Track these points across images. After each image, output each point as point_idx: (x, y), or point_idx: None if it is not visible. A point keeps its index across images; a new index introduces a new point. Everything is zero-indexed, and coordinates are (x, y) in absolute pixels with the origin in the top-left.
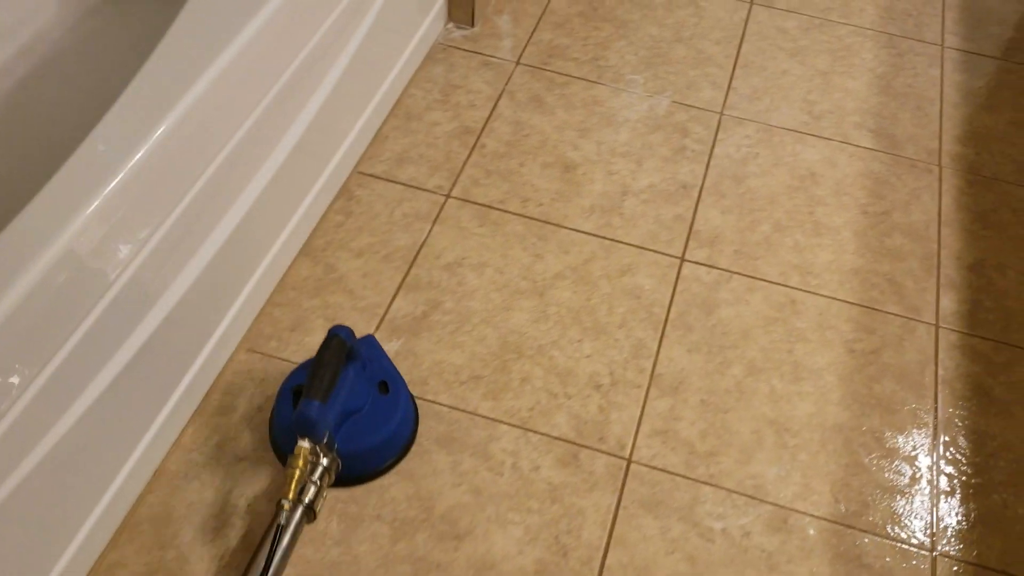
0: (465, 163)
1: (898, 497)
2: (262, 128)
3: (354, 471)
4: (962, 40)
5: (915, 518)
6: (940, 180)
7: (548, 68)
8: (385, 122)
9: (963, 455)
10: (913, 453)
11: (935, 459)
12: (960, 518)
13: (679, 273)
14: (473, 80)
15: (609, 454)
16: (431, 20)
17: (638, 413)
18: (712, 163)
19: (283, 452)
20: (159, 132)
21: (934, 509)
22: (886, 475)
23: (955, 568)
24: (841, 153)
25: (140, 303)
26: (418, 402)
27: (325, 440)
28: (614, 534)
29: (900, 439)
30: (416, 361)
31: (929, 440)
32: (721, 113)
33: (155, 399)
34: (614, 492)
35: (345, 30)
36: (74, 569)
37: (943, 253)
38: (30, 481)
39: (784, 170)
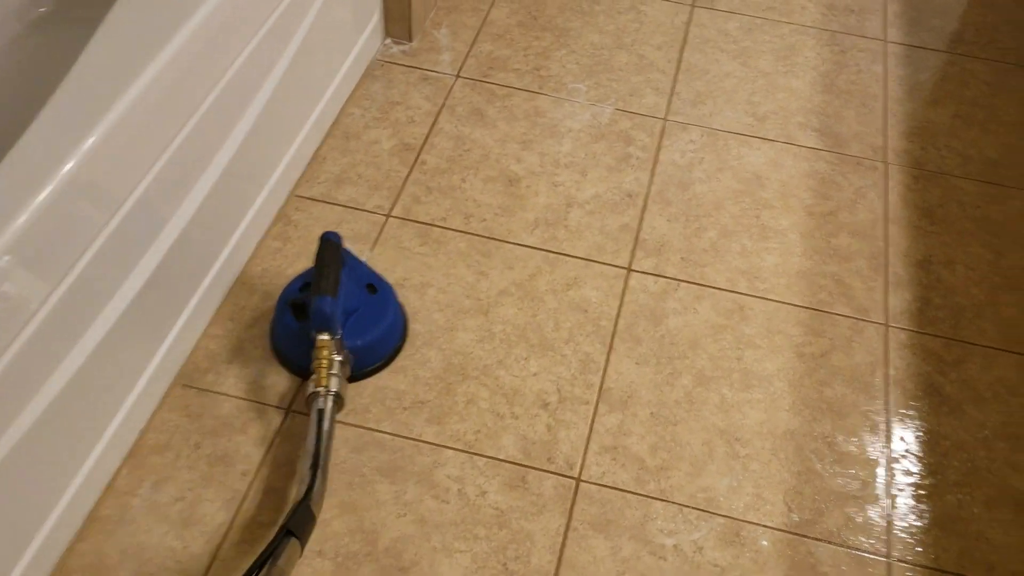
0: (405, 181)
1: (852, 503)
2: (186, 154)
3: (363, 364)
4: (904, 34)
5: (870, 524)
6: (886, 177)
7: (489, 80)
8: (323, 143)
9: (916, 457)
10: (865, 457)
11: (888, 462)
12: (915, 521)
13: (626, 284)
14: (412, 96)
15: (558, 474)
16: (367, 37)
17: (587, 431)
18: (657, 170)
19: (291, 360)
20: (69, 165)
21: (889, 514)
22: (839, 481)
23: (911, 574)
24: (786, 154)
25: (63, 341)
26: (360, 431)
27: (339, 335)
28: (563, 558)
29: (852, 443)
30: (358, 389)
31: (881, 443)
32: (665, 119)
33: (80, 450)
34: (563, 514)
35: (273, 50)
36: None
37: (891, 251)
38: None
39: (729, 174)
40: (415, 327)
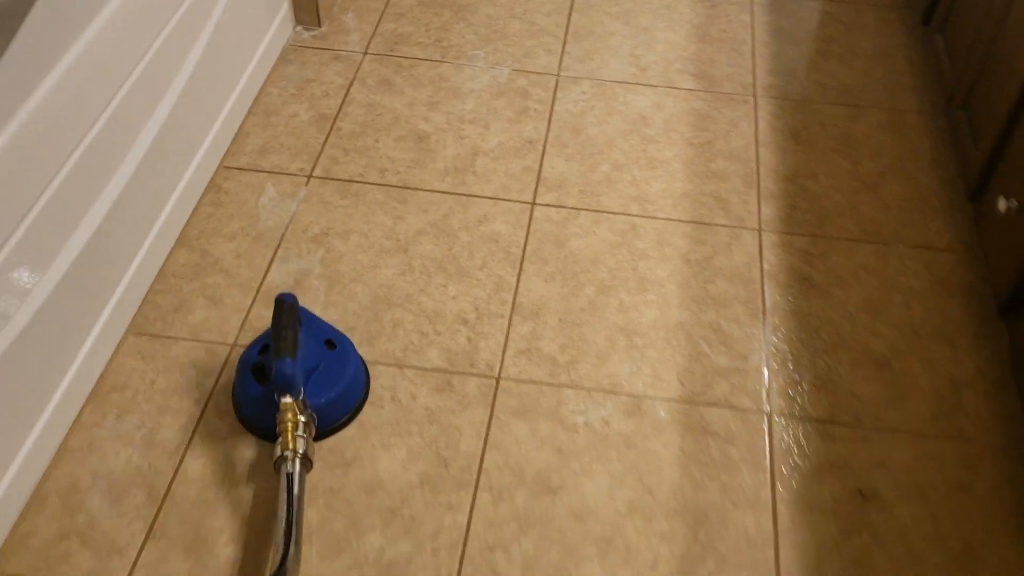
0: (324, 146)
1: (735, 375)
2: (111, 131)
3: (325, 422)
4: None
5: (751, 389)
6: (756, 109)
7: (395, 54)
8: (245, 120)
9: (790, 333)
10: (746, 338)
11: (765, 339)
12: (791, 384)
13: (531, 216)
14: (325, 73)
15: (480, 376)
16: (278, 24)
17: (503, 339)
18: (553, 119)
19: (256, 425)
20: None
21: (767, 380)
22: (724, 359)
23: (786, 423)
24: (667, 97)
25: (24, 280)
26: None
27: (301, 397)
28: (489, 441)
29: (734, 328)
30: None
31: (759, 325)
32: (558, 75)
33: (41, 393)
34: (486, 407)
35: (184, 40)
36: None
37: (762, 170)
38: None
39: (618, 117)
40: (340, 268)
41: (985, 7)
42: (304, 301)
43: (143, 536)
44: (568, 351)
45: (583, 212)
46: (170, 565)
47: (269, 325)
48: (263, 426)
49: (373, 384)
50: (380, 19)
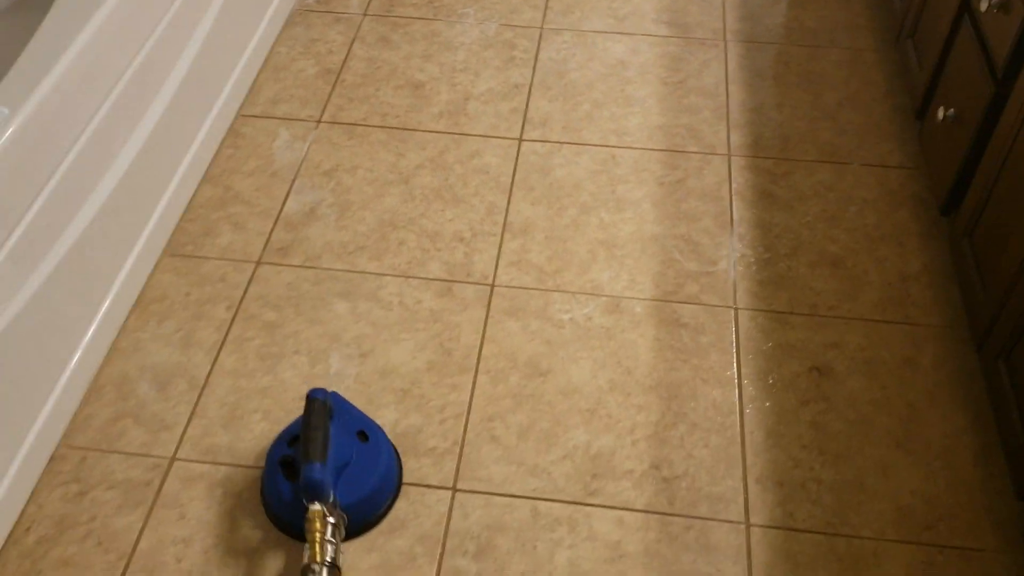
0: (330, 95)
1: (705, 277)
2: (137, 84)
3: (360, 520)
4: None
5: (719, 288)
6: (725, 51)
7: (391, 15)
8: (258, 75)
9: (754, 239)
10: (715, 246)
11: (732, 247)
12: (754, 283)
13: (519, 150)
14: (329, 33)
15: (476, 283)
16: None
17: (496, 253)
18: (538, 66)
19: (285, 522)
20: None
21: (734, 280)
22: (694, 264)
23: (751, 316)
24: (643, 43)
25: (61, 219)
26: (315, 271)
27: (331, 499)
28: (486, 335)
29: (704, 238)
30: (310, 244)
31: (727, 235)
32: (541, 28)
33: (91, 303)
34: (483, 308)
35: (196, 10)
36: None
37: (731, 103)
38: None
39: (597, 63)
40: (350, 197)
41: None
42: (319, 226)
43: (187, 416)
44: (554, 262)
45: (566, 145)
46: (213, 438)
47: (299, 418)
48: (293, 525)
49: (382, 293)
50: None
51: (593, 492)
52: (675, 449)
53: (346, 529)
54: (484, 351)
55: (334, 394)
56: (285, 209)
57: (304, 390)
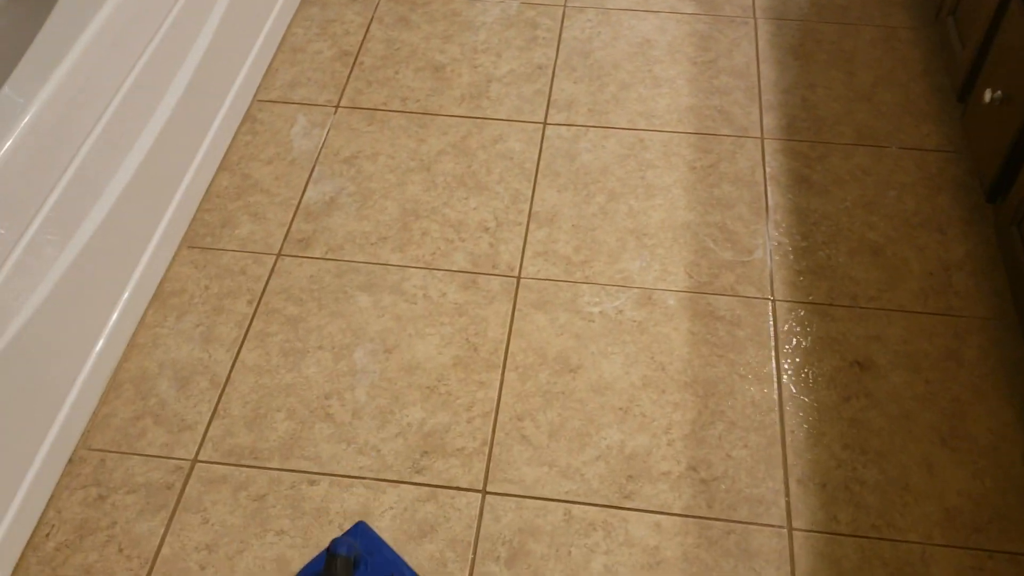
0: (348, 79)
1: (740, 267)
2: (152, 69)
3: None
4: None
5: (755, 278)
6: (756, 29)
7: None
8: (274, 58)
9: (790, 227)
10: (750, 234)
11: (768, 235)
12: (792, 272)
13: (543, 134)
14: (345, 13)
15: (502, 275)
16: None
17: (522, 243)
18: (561, 46)
19: None
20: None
21: (770, 270)
22: (728, 253)
23: (789, 307)
24: (670, 21)
25: (78, 211)
26: (338, 263)
27: None
28: (513, 330)
29: (738, 225)
30: (331, 234)
31: (762, 222)
32: (564, 6)
33: (109, 297)
34: (509, 301)
35: None
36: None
37: (763, 83)
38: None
39: (623, 42)
40: (371, 185)
41: None
42: (340, 215)
43: (209, 415)
44: (582, 252)
45: (592, 129)
46: (235, 439)
47: (322, 554)
48: None
49: (405, 286)
50: None
51: (629, 495)
52: (713, 449)
53: None
54: (511, 346)
55: (362, 529)
56: (305, 198)
57: (328, 388)
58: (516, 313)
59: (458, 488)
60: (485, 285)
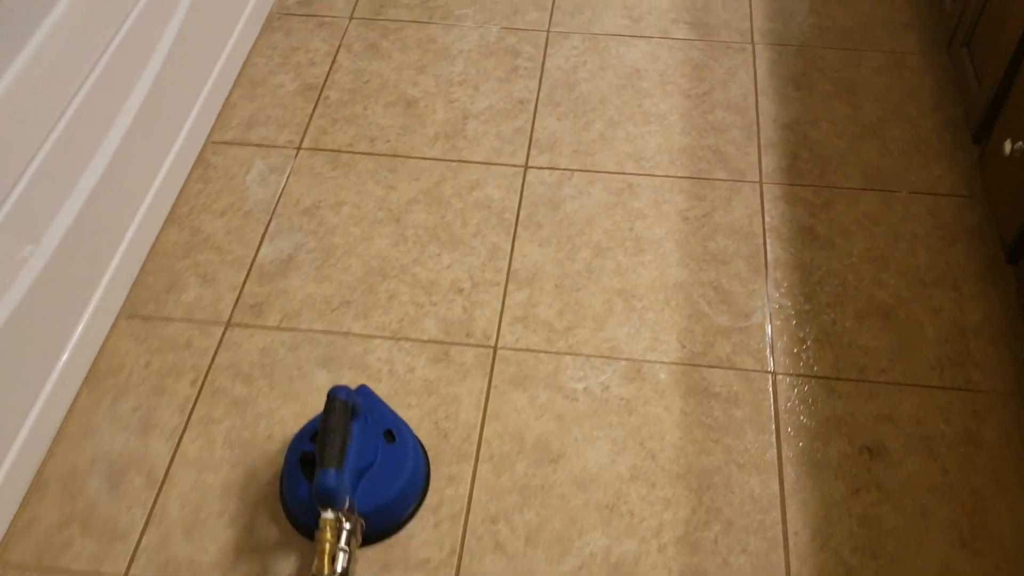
0: (312, 116)
1: (737, 333)
2: (90, 106)
3: (380, 526)
4: None
5: (754, 347)
6: (754, 56)
7: (381, 18)
8: (231, 92)
9: (792, 286)
10: (748, 295)
11: (767, 296)
12: (794, 340)
13: (524, 179)
14: (311, 40)
15: (477, 345)
16: None
17: (499, 307)
18: (544, 77)
19: (301, 523)
20: None
21: (770, 338)
22: (725, 317)
23: (791, 382)
24: (661, 48)
25: (7, 266)
26: (292, 333)
27: (347, 505)
28: (488, 411)
29: (735, 285)
30: (287, 299)
31: (761, 281)
32: (548, 31)
33: (36, 379)
34: (484, 376)
35: (163, 7)
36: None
37: (761, 119)
38: None
39: (611, 72)
40: (334, 240)
41: None
42: (299, 275)
43: (143, 521)
44: (565, 317)
45: (577, 173)
46: (171, 550)
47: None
48: (309, 527)
49: (369, 359)
50: None
51: None
52: (708, 556)
53: (364, 535)
54: (486, 431)
55: (362, 389)
56: (259, 256)
57: (277, 487)
58: (492, 391)
59: None
60: (458, 357)
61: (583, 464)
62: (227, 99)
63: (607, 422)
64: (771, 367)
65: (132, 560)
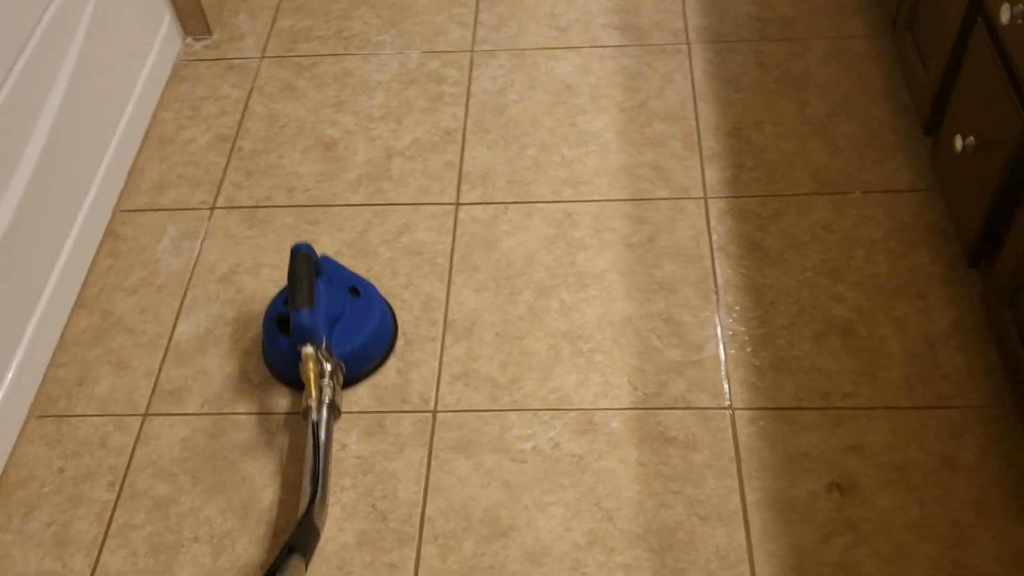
0: (225, 170)
1: (691, 368)
2: None
3: (357, 369)
4: None
5: (708, 382)
6: (690, 57)
7: (294, 54)
8: (139, 153)
9: (744, 309)
10: (699, 324)
11: (720, 324)
12: (751, 370)
13: (456, 218)
14: (221, 87)
15: (414, 411)
16: (163, 40)
17: (436, 365)
18: (471, 102)
19: (287, 377)
20: None
21: (726, 370)
22: (677, 352)
23: (750, 417)
24: (592, 58)
25: None
26: (213, 419)
27: (324, 345)
28: (430, 485)
29: (685, 315)
30: (206, 380)
31: (712, 308)
32: (472, 51)
33: None
34: (424, 446)
35: (46, 68)
36: None
37: (702, 127)
38: None
39: (541, 90)
40: (253, 308)
41: None
42: (219, 350)
43: None
44: (509, 369)
45: (512, 206)
46: None
47: None
48: (293, 377)
49: (297, 436)
50: (275, 16)
51: None
52: None
53: (344, 377)
54: (428, 508)
55: (324, 257)
56: (175, 335)
57: None
58: (433, 461)
59: None
60: (394, 428)
61: (535, 536)
62: (135, 161)
63: (559, 484)
64: (728, 402)
65: None
